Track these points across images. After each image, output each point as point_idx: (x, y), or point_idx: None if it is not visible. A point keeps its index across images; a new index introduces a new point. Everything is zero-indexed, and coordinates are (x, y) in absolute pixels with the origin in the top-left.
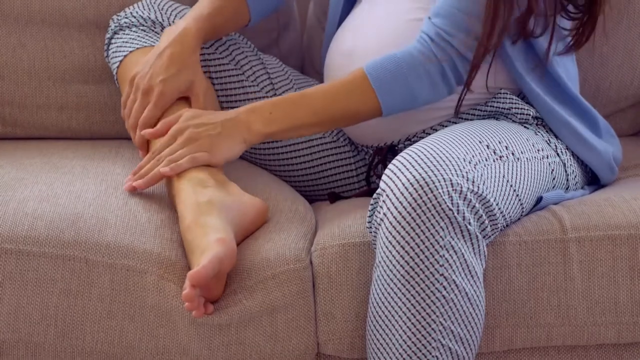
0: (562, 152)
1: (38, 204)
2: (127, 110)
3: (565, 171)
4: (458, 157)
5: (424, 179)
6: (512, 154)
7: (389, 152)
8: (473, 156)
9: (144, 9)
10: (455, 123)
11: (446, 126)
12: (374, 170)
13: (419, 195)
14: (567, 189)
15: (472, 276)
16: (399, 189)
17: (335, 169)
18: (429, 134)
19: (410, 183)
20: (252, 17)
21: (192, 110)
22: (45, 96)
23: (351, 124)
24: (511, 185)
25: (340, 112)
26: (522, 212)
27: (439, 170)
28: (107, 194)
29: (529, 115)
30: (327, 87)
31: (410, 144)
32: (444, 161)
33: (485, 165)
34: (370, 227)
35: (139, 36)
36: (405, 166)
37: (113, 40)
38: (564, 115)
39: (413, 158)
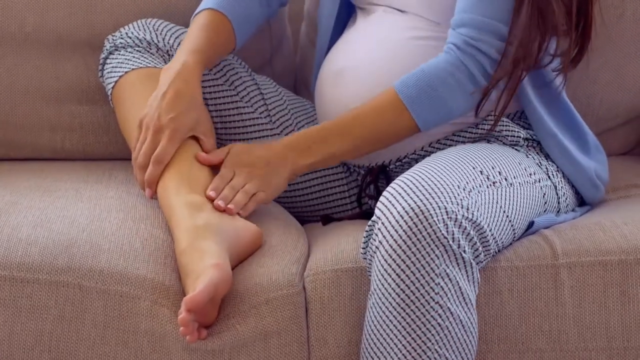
0: (553, 174)
1: (32, 230)
2: (137, 151)
3: (557, 194)
4: (452, 184)
5: (419, 207)
6: (505, 179)
7: (380, 172)
8: (467, 183)
9: (139, 30)
10: (447, 145)
11: (437, 147)
12: (365, 191)
13: (414, 223)
14: (558, 211)
15: (466, 304)
16: (394, 217)
17: (327, 190)
18: (421, 155)
19: (406, 211)
20: (237, 41)
21: (239, 145)
22: (39, 117)
23: (391, 144)
24: (504, 212)
25: (377, 134)
26: (514, 237)
27: (433, 198)
28: (100, 219)
29: (520, 137)
30: (361, 111)
31: (402, 165)
32: (438, 188)
33: (479, 192)
34: (365, 255)
35: (134, 57)
36: (400, 194)
37: (108, 61)
38: (557, 133)
39: (407, 185)
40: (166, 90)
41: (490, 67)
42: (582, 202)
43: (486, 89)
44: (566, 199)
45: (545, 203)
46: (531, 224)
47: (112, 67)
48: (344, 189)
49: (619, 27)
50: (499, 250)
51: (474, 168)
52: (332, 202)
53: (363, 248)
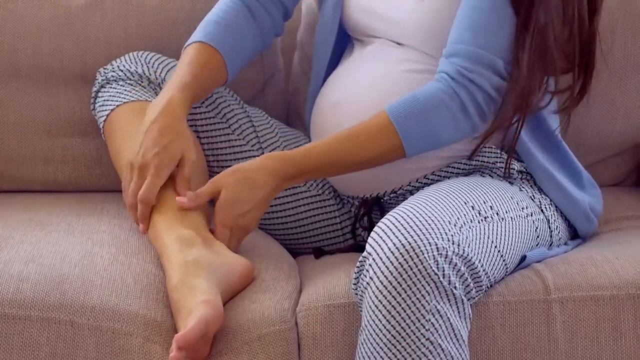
0: (546, 208)
1: (24, 266)
2: (125, 190)
3: (549, 227)
4: (443, 220)
5: (409, 244)
6: (497, 214)
7: (374, 204)
8: (458, 218)
9: (131, 63)
10: (441, 177)
11: (431, 179)
12: (360, 222)
13: (404, 260)
14: (550, 245)
15: (457, 340)
16: (384, 253)
17: (320, 222)
18: (415, 187)
19: (397, 247)
20: (229, 74)
21: (228, 191)
22: (32, 149)
23: (374, 166)
24: (496, 247)
25: (364, 157)
26: (507, 271)
27: (424, 234)
28: (92, 254)
29: (514, 169)
30: (351, 135)
31: (396, 197)
32: (429, 224)
33: (470, 227)
34: (357, 290)
35: (125, 90)
36: (390, 229)
37: (100, 94)
38: (550, 169)
39: (398, 221)
40: (149, 126)
41: (483, 101)
42: (575, 234)
43: (486, 135)
44: (559, 232)
45: (538, 237)
46: (523, 258)
47: (104, 100)
48: (336, 220)
49: (609, 60)
50: (491, 285)
51: (465, 203)
52: (325, 233)
53: (354, 283)
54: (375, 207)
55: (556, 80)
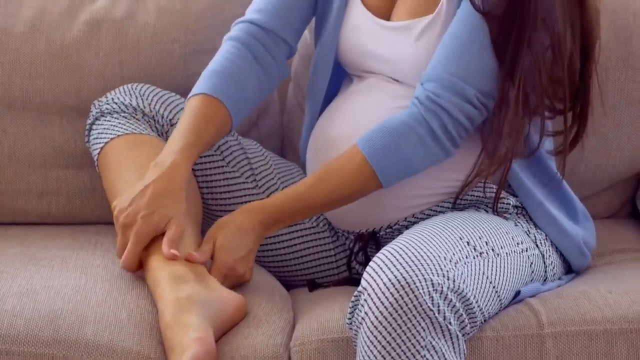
0: (541, 243)
1: (17, 301)
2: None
3: (544, 262)
4: (439, 256)
5: (405, 279)
6: (492, 249)
7: (370, 239)
8: (454, 254)
9: (126, 95)
10: (437, 212)
11: (427, 214)
12: (355, 257)
13: (400, 295)
14: (545, 280)
15: None
16: (380, 289)
17: (314, 254)
18: (411, 222)
19: (392, 283)
20: (233, 123)
21: (223, 238)
22: (26, 182)
23: (356, 199)
24: (490, 282)
25: (341, 195)
26: (501, 307)
27: (419, 270)
28: (86, 289)
29: (509, 204)
30: (325, 175)
31: (392, 232)
32: (424, 260)
33: (465, 263)
34: (351, 325)
35: (120, 123)
36: (386, 264)
37: (94, 127)
38: (545, 203)
39: (394, 256)
40: (147, 185)
41: (453, 128)
42: (570, 269)
43: (471, 180)
44: (553, 267)
45: (532, 272)
46: (517, 293)
47: (99, 133)
48: (331, 253)
49: (603, 94)
50: (485, 320)
51: (461, 239)
52: (319, 266)
53: (349, 318)
54: (371, 242)
55: (543, 123)
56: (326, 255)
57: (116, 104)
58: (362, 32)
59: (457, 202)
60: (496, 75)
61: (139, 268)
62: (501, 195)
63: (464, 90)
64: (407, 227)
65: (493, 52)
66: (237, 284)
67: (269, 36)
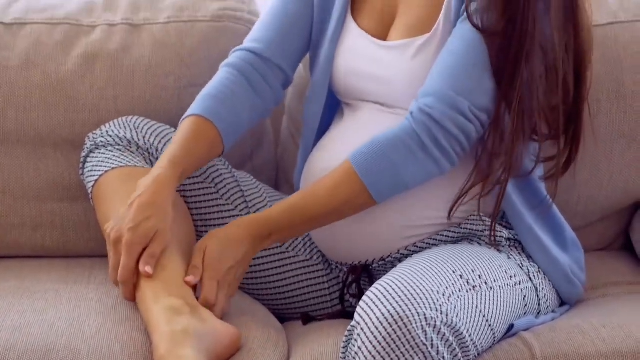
0: (534, 275)
1: (10, 335)
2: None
3: (537, 295)
4: (432, 290)
5: (398, 314)
6: (485, 283)
7: (363, 271)
8: (447, 287)
9: (120, 128)
10: (430, 245)
11: (420, 247)
12: (348, 290)
13: (393, 330)
14: (538, 313)
15: None
16: (373, 323)
17: (308, 287)
18: (404, 254)
19: (385, 317)
20: (225, 146)
21: (213, 248)
22: (20, 215)
23: (349, 215)
24: (484, 316)
25: (333, 208)
26: (494, 340)
27: (412, 304)
28: (79, 322)
29: (502, 237)
30: (316, 187)
31: (385, 264)
32: (417, 294)
33: (458, 297)
34: (345, 359)
35: (114, 155)
36: (379, 299)
37: (89, 159)
38: (535, 228)
39: (387, 290)
40: (133, 201)
41: (445, 140)
42: (563, 301)
43: (459, 196)
44: (547, 300)
45: (526, 305)
46: (511, 326)
47: (93, 165)
48: (325, 286)
49: (595, 125)
50: (478, 354)
51: (454, 272)
52: (313, 299)
53: (343, 352)
54: (364, 274)
55: (540, 147)
56: (320, 289)
57: (110, 136)
58: (357, 53)
59: (451, 236)
60: (492, 92)
61: (133, 298)
62: (494, 228)
63: (456, 103)
64: (400, 260)
65: (490, 70)
66: (230, 293)
67: (265, 64)
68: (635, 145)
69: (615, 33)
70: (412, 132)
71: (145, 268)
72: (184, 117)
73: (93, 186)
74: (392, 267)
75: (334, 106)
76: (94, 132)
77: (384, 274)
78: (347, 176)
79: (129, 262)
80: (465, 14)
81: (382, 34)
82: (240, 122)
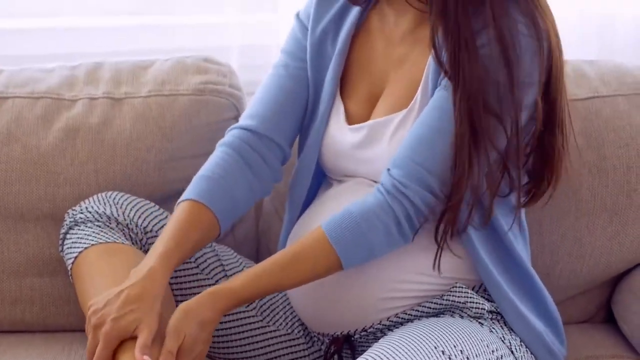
0: (516, 349)
1: None
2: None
3: None
4: None
5: None
6: (467, 358)
7: (345, 342)
8: None
9: (100, 204)
10: (412, 316)
11: (402, 318)
12: None
13: None
14: None
15: None
16: None
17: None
18: (386, 325)
19: None
20: (222, 229)
21: (191, 336)
22: None
23: (316, 280)
24: None
25: (303, 275)
26: None
27: None
28: None
29: (484, 309)
30: (289, 254)
31: (367, 335)
32: None
33: None
34: None
35: (94, 232)
36: None
37: (68, 236)
38: (515, 299)
39: None
40: (122, 290)
41: (415, 216)
42: None
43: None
44: None
45: None
46: None
47: (72, 242)
48: (306, 359)
49: (575, 200)
50: None
51: (435, 347)
52: None
53: None
54: (345, 345)
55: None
56: None
57: (90, 212)
58: (344, 135)
59: (433, 307)
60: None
61: None
62: (475, 300)
63: (428, 182)
64: (382, 331)
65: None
66: None
67: (262, 141)
68: (617, 219)
69: (596, 107)
70: (387, 208)
71: (143, 358)
72: (179, 200)
73: (72, 263)
74: (375, 338)
75: (320, 178)
76: (74, 208)
77: (367, 346)
78: (321, 246)
79: (104, 353)
80: (441, 83)
81: (367, 114)
82: (237, 203)
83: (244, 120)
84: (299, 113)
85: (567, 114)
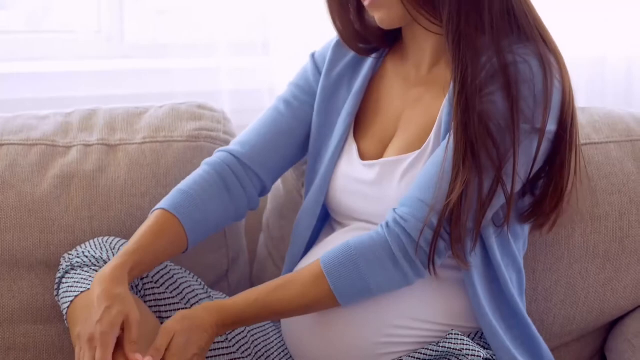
0: None
1: None
2: None
3: None
4: None
5: None
6: None
7: None
8: None
9: (96, 248)
10: None
11: None
12: None
13: None
14: None
15: None
16: None
17: None
18: None
19: None
20: (189, 243)
21: (181, 336)
22: None
23: (313, 312)
24: None
25: (298, 305)
26: None
27: None
28: None
29: (480, 357)
30: (286, 283)
31: None
32: None
33: None
34: None
35: (90, 276)
36: None
37: (64, 280)
38: (511, 348)
39: None
40: (92, 299)
41: (412, 252)
42: None
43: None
44: None
45: None
46: None
47: (68, 286)
48: None
49: (568, 246)
50: None
51: None
52: None
53: None
54: None
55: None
56: None
57: (86, 257)
58: (354, 173)
59: (429, 354)
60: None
61: None
62: (471, 347)
63: (429, 217)
64: None
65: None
66: None
67: (244, 169)
68: (610, 266)
69: (588, 154)
70: (384, 242)
71: (136, 356)
72: (153, 209)
73: (68, 307)
74: None
75: (323, 224)
76: (70, 252)
77: None
78: (315, 277)
79: (106, 354)
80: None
81: (380, 153)
82: (208, 221)
83: (234, 145)
84: (291, 151)
85: (578, 144)
